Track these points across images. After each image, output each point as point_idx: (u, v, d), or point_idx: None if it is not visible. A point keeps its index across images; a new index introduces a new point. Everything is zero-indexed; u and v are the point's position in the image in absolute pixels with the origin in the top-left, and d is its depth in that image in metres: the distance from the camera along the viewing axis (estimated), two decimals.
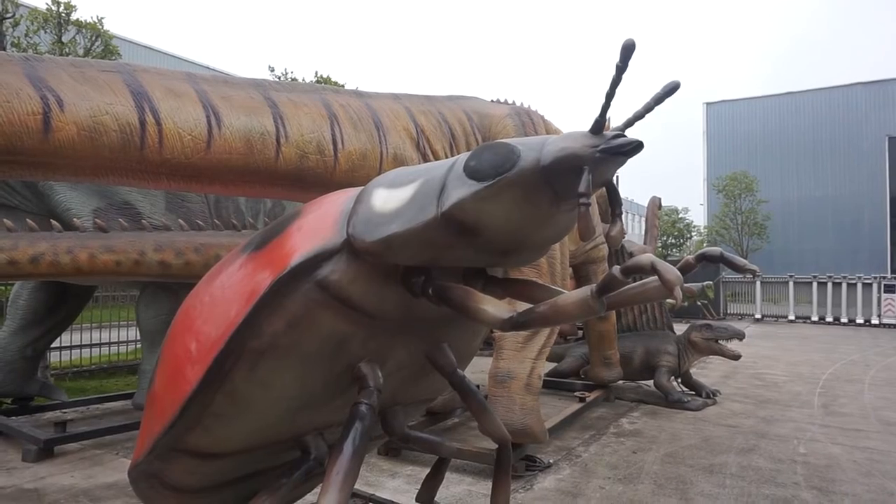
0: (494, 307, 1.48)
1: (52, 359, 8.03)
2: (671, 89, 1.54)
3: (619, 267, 1.34)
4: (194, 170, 3.00)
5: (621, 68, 1.40)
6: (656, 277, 1.53)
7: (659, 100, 1.53)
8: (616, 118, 3.53)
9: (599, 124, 1.43)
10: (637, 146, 1.37)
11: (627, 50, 1.38)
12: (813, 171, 35.32)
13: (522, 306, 1.51)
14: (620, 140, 1.37)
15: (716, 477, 4.40)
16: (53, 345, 7.02)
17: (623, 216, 1.51)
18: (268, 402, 1.72)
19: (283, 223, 1.79)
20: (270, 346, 1.61)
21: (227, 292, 1.76)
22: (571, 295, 1.40)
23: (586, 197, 1.34)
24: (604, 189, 1.54)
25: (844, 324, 18.28)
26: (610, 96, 1.44)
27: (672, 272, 1.28)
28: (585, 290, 1.37)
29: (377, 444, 2.88)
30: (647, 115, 1.57)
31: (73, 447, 5.03)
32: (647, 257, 1.31)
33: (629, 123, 1.52)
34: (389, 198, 1.56)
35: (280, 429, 1.84)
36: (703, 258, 2.61)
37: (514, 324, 1.45)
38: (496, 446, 2.17)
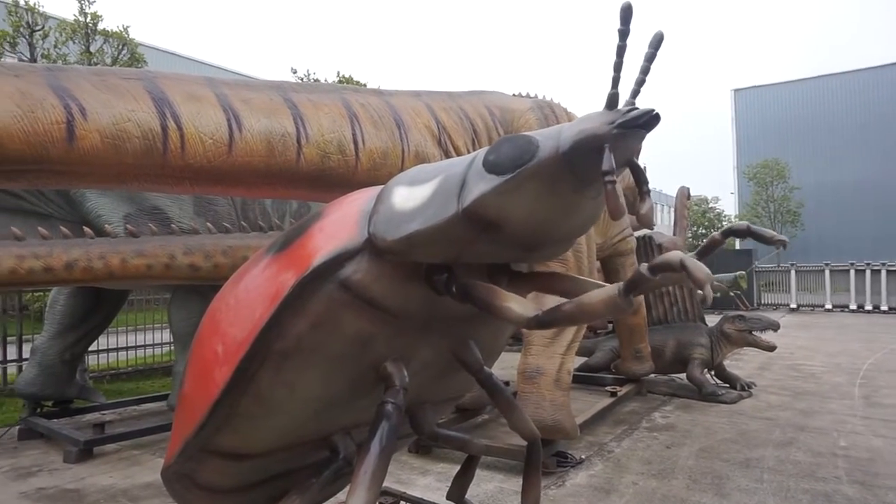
0: (519, 305, 1.45)
1: (90, 362, 8.23)
2: (657, 42, 1.52)
3: (647, 265, 1.30)
4: (217, 173, 3.02)
5: (624, 32, 1.39)
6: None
7: (650, 57, 1.51)
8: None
9: (613, 97, 1.41)
10: (653, 117, 1.34)
11: (626, 12, 1.38)
12: (847, 156, 34.31)
13: (549, 300, 1.48)
14: (635, 112, 1.35)
15: (753, 471, 4.30)
16: (91, 348, 7.18)
17: (650, 196, 1.47)
18: (294, 402, 1.72)
19: (305, 224, 1.79)
20: (295, 348, 1.61)
21: (251, 294, 1.77)
22: (598, 293, 1.36)
23: (611, 175, 1.30)
24: (628, 177, 1.51)
25: (885, 312, 17.73)
26: (618, 66, 1.42)
27: (702, 270, 1.22)
28: (613, 289, 1.33)
29: (406, 443, 2.88)
30: (649, 78, 1.54)
31: (111, 448, 5.15)
32: (676, 255, 1.27)
33: (635, 92, 1.51)
34: (410, 196, 1.54)
35: (308, 429, 1.85)
36: (730, 233, 2.59)
37: (540, 322, 1.42)
38: (526, 443, 2.15)
